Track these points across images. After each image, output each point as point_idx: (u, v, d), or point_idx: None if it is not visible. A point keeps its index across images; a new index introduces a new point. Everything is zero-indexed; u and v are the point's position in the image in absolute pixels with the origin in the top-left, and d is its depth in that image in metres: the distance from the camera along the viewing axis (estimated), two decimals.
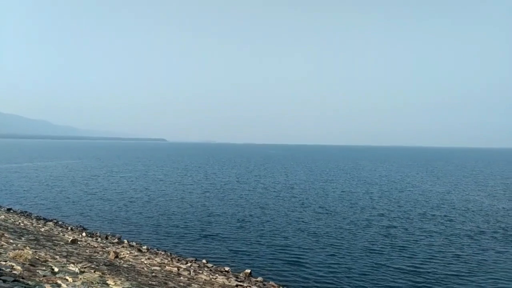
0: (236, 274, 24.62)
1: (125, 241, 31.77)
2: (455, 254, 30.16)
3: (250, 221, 40.83)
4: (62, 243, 23.21)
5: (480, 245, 32.81)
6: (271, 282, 23.73)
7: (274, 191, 64.85)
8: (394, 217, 44.00)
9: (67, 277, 12.15)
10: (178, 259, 27.00)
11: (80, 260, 17.33)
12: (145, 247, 30.26)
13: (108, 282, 13.28)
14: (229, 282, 21.52)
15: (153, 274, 19.07)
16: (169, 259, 26.38)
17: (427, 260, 28.81)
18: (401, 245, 32.57)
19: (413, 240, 34.26)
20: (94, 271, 14.63)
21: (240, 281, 22.42)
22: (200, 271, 23.07)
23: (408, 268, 26.88)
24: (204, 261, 27.26)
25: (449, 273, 26.09)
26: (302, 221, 41.03)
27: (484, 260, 29.02)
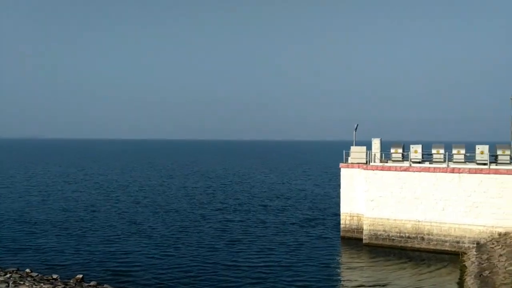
0: (66, 281, 22.66)
1: None
2: (287, 244, 32.19)
3: (80, 225, 37.01)
4: None
5: (307, 232, 35.97)
6: (106, 285, 22.52)
7: (109, 191, 60.71)
8: (232, 211, 45.40)
9: None
10: None
11: None
12: None
13: None
14: None
15: None
16: None
17: (263, 252, 29.97)
18: (237, 238, 33.44)
19: (249, 232, 35.60)
20: None
21: None
22: (22, 282, 20.76)
23: (243, 262, 27.56)
24: (27, 270, 24.27)
25: (282, 264, 27.42)
26: (137, 222, 39.00)
27: (312, 247, 31.63)
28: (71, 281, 22.85)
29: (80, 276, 23.51)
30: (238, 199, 53.90)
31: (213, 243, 31.89)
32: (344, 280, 24.61)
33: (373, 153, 33.15)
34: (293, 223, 39.06)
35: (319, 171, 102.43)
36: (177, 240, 32.67)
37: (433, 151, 31.72)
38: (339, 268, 27.02)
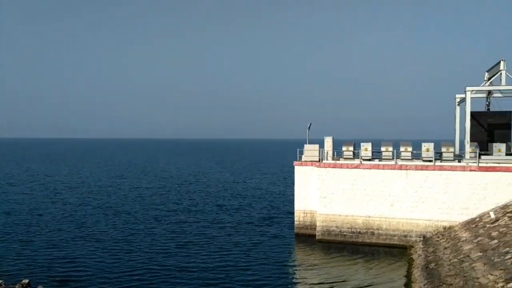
0: (11, 286, 21.74)
1: None
2: (242, 244, 32.05)
3: (25, 229, 34.93)
4: None
5: (263, 231, 35.99)
6: None
7: (56, 192, 57.84)
8: (186, 211, 44.61)
9: None
10: None
11: None
12: None
13: None
14: None
15: None
16: None
17: (218, 253, 29.54)
18: (191, 240, 32.84)
19: (204, 233, 35.10)
20: None
21: None
22: None
23: (197, 264, 27.06)
24: None
25: (238, 265, 27.12)
26: (86, 225, 37.35)
27: (268, 246, 31.68)
28: (17, 286, 21.75)
29: (26, 281, 22.31)
30: (193, 199, 53.16)
31: (166, 245, 31.13)
32: (299, 278, 24.80)
33: (325, 151, 33.71)
34: (249, 223, 38.99)
35: (274, 169, 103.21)
36: (128, 243, 31.62)
37: (382, 148, 32.70)
38: (294, 266, 27.19)
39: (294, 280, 24.38)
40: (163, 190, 61.53)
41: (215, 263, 27.13)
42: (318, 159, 33.59)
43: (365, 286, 22.94)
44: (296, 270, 26.37)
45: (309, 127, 36.27)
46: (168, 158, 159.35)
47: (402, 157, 31.94)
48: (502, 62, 33.32)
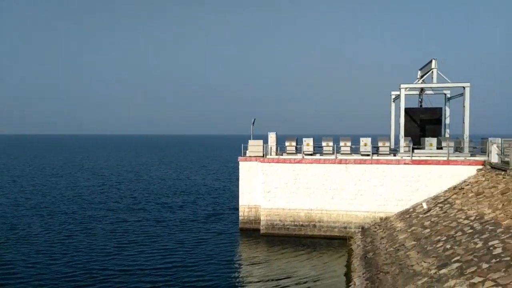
0: None
1: None
2: (187, 243, 31.62)
3: None
4: None
5: (208, 229, 35.73)
6: None
7: None
8: (126, 210, 43.24)
9: None
10: None
11: None
12: None
13: None
14: None
15: None
16: None
17: (161, 253, 28.91)
18: (132, 239, 31.87)
19: (146, 232, 34.16)
20: None
21: None
22: None
23: (139, 265, 26.34)
24: None
25: (182, 264, 26.62)
26: (17, 227, 34.92)
27: (213, 244, 31.51)
28: None
29: None
30: (134, 197, 51.60)
31: (106, 246, 29.91)
32: (245, 274, 24.82)
33: (269, 147, 34.07)
34: (193, 220, 38.50)
35: (219, 165, 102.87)
36: (65, 245, 30.02)
37: (323, 143, 33.63)
38: (240, 262, 27.20)
39: (240, 277, 24.41)
40: (102, 189, 59.15)
41: (159, 263, 26.47)
42: (262, 154, 33.86)
43: (309, 280, 23.49)
44: (241, 266, 26.42)
45: (253, 123, 36.45)
46: (108, 154, 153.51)
47: (342, 152, 33.03)
48: (433, 61, 35.38)
